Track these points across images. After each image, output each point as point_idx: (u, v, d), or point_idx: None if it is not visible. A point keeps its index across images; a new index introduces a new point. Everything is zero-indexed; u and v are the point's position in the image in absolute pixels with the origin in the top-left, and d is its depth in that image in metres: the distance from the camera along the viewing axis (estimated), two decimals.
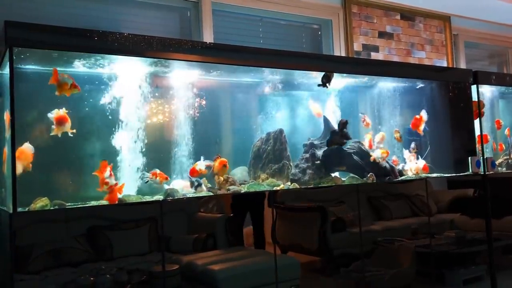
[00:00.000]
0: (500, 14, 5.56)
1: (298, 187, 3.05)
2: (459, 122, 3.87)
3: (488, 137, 4.11)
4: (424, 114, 3.67)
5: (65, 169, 2.65)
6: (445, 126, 3.91)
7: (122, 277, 2.35)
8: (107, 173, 2.45)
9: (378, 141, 3.57)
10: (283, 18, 4.33)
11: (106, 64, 2.63)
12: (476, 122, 3.88)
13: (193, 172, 2.75)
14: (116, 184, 2.47)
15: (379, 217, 3.44)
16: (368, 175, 3.24)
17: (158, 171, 2.72)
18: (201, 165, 2.79)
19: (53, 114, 2.41)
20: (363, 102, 3.89)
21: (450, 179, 3.82)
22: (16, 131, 2.15)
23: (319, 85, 3.16)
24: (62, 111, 2.43)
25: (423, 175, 3.61)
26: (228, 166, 2.89)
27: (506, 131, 4.33)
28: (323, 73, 3.13)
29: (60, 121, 2.42)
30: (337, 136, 3.21)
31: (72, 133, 2.43)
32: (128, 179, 2.70)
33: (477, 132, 3.86)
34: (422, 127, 3.63)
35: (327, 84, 3.14)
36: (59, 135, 2.41)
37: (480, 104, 3.90)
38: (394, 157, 3.61)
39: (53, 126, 2.42)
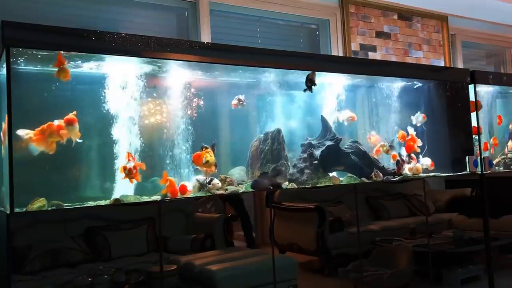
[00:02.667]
0: (498, 14, 5.58)
1: (296, 187, 3.05)
2: (457, 122, 3.88)
3: (488, 145, 4.13)
4: (413, 133, 3.69)
5: (63, 169, 2.65)
6: (442, 126, 3.92)
7: (120, 278, 2.35)
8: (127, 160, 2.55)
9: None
10: (280, 18, 4.33)
11: (107, 63, 2.63)
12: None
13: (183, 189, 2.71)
14: (136, 166, 2.54)
15: (377, 217, 3.44)
16: (374, 173, 3.25)
17: None
18: (189, 185, 2.74)
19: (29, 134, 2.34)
20: (360, 101, 3.89)
21: (447, 178, 3.82)
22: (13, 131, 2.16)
23: (304, 90, 3.12)
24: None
25: (422, 174, 3.62)
26: (207, 156, 2.78)
27: (492, 140, 4.31)
28: (312, 76, 3.08)
29: (70, 122, 2.42)
30: (266, 180, 2.91)
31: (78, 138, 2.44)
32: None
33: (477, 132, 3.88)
34: (417, 145, 3.65)
35: (312, 87, 3.11)
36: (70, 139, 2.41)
37: (477, 104, 3.91)
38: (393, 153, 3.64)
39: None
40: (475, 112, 3.89)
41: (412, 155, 3.64)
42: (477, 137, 3.88)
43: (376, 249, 3.28)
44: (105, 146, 2.72)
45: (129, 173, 2.53)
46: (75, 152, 2.62)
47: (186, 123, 2.99)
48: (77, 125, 2.42)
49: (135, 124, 2.79)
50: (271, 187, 2.89)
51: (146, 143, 2.82)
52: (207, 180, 2.75)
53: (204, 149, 2.82)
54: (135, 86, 2.79)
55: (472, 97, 3.88)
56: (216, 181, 2.76)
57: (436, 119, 3.90)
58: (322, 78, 3.46)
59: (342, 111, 3.51)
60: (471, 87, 3.88)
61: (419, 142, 3.66)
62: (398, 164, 3.46)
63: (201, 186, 2.77)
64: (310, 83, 3.07)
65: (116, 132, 2.73)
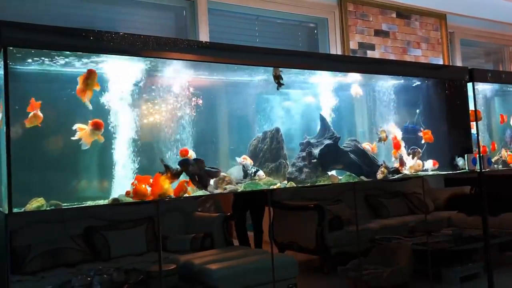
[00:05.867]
0: (496, 12, 5.58)
1: (295, 185, 3.05)
2: (455, 120, 3.88)
3: (495, 144, 4.15)
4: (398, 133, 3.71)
5: (62, 169, 2.65)
6: (441, 124, 3.92)
7: (119, 277, 2.34)
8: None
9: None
10: (279, 16, 4.32)
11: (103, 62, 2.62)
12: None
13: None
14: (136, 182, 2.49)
15: (376, 215, 3.44)
16: (381, 165, 3.30)
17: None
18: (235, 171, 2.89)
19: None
20: (359, 100, 3.89)
21: (446, 177, 3.82)
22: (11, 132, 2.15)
23: (278, 88, 3.06)
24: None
25: (420, 173, 3.63)
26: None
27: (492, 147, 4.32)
28: (276, 72, 3.04)
29: (97, 126, 2.44)
30: (193, 166, 2.72)
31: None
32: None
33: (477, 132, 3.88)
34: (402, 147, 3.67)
35: (282, 82, 3.05)
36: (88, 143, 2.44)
37: (477, 114, 3.90)
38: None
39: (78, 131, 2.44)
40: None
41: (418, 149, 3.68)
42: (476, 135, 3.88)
43: (376, 248, 3.28)
44: (104, 144, 2.71)
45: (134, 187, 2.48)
46: (75, 151, 2.62)
47: (185, 122, 2.99)
48: (102, 130, 2.47)
49: (135, 123, 2.79)
50: (195, 175, 2.71)
51: (145, 143, 2.82)
52: (253, 171, 2.83)
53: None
54: (134, 85, 2.79)
55: (470, 95, 3.88)
56: (261, 173, 2.89)
57: (434, 117, 3.90)
58: (321, 77, 3.47)
59: (353, 85, 3.60)
60: (469, 85, 3.88)
61: (403, 144, 3.68)
62: (401, 160, 3.50)
63: (246, 174, 2.87)
64: (277, 80, 3.04)
65: (116, 130, 2.73)
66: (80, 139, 2.45)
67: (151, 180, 2.51)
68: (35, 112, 2.34)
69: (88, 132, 2.44)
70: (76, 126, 2.46)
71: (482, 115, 4.11)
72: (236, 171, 3.12)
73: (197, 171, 2.69)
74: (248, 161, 3.06)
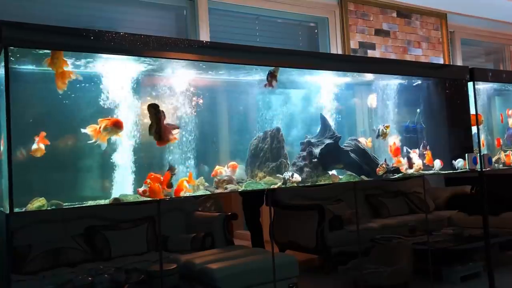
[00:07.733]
0: (496, 11, 5.57)
1: (296, 185, 3.05)
2: (456, 119, 3.88)
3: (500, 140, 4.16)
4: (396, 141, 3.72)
5: (62, 169, 2.65)
6: (441, 123, 3.92)
7: (120, 277, 2.35)
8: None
9: None
10: (279, 16, 4.32)
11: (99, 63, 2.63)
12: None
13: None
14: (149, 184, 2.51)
15: (376, 214, 3.44)
16: (381, 164, 3.32)
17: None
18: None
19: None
20: (359, 99, 3.89)
21: (447, 176, 3.82)
22: (12, 132, 2.15)
23: (265, 85, 3.03)
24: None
25: (421, 172, 3.63)
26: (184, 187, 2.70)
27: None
28: (275, 71, 3.02)
29: (118, 125, 2.48)
30: (159, 114, 2.69)
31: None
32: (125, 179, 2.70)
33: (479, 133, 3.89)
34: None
35: (273, 83, 3.01)
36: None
37: (478, 117, 3.90)
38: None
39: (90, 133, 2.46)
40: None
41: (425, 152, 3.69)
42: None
43: (376, 247, 3.28)
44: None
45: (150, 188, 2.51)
46: (75, 151, 2.62)
47: (185, 122, 2.99)
48: (122, 129, 2.52)
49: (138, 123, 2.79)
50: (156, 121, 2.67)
51: (145, 143, 2.82)
52: (290, 174, 2.96)
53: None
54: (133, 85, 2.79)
55: (471, 94, 3.88)
56: (297, 176, 3.00)
57: (435, 117, 3.90)
58: (321, 77, 3.46)
59: (370, 96, 3.71)
60: (470, 84, 3.88)
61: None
62: (410, 160, 3.55)
63: (284, 181, 2.97)
64: (270, 78, 3.02)
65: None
66: (96, 141, 2.48)
67: (162, 179, 2.55)
68: (39, 147, 2.37)
69: (107, 131, 2.46)
70: (86, 130, 2.46)
71: (483, 117, 4.11)
72: (237, 171, 3.12)
73: (160, 118, 2.67)
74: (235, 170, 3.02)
